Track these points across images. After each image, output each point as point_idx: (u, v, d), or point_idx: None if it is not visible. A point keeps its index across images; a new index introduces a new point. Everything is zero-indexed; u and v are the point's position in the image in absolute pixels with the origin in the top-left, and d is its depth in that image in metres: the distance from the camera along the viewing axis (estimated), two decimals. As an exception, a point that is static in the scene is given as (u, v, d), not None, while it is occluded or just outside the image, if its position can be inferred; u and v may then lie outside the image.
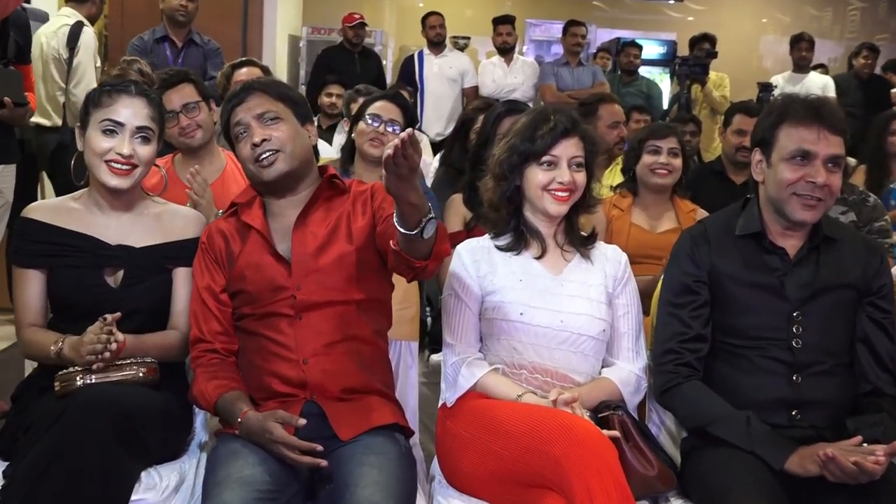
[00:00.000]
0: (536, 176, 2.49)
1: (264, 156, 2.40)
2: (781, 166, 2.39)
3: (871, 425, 2.28)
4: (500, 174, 2.53)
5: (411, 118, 3.60)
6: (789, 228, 2.44)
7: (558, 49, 8.99)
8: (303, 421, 2.21)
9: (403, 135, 1.90)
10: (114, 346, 2.26)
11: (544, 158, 2.48)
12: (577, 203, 2.54)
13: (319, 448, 2.19)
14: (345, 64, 7.43)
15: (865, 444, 2.16)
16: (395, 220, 2.08)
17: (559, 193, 2.48)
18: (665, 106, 8.02)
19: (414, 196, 2.01)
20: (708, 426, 2.35)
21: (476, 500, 2.32)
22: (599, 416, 2.35)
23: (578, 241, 2.58)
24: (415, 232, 2.07)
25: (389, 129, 3.57)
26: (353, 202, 2.48)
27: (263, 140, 2.40)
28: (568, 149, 2.48)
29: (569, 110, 2.58)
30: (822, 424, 2.33)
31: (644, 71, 8.71)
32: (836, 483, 2.14)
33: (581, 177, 2.50)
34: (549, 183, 2.48)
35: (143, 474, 2.27)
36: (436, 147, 6.68)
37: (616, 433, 2.26)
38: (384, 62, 9.28)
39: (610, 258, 2.59)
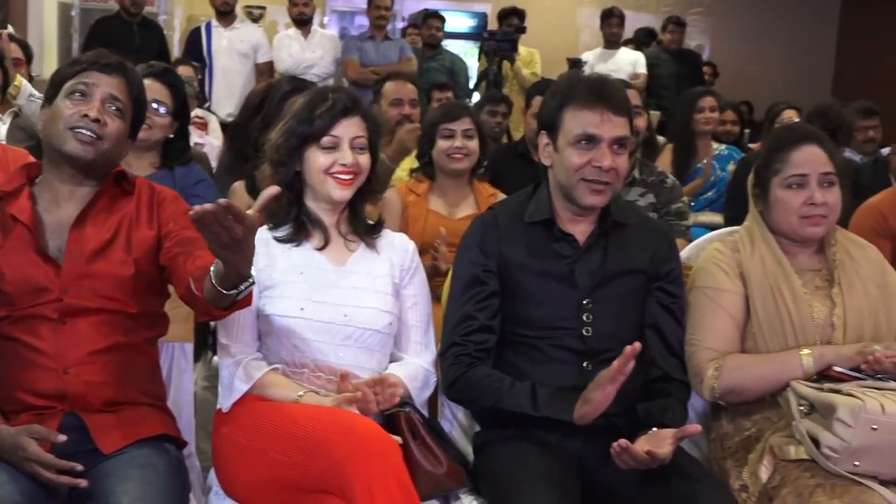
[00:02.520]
0: (317, 159, 2.51)
1: (86, 132, 2.32)
2: (568, 151, 2.49)
3: (659, 410, 2.44)
4: (277, 160, 2.55)
5: (182, 99, 3.51)
6: (579, 214, 2.56)
7: (364, 20, 9.02)
8: (62, 437, 2.17)
9: (212, 206, 1.81)
10: None
11: (324, 140, 2.51)
12: (362, 189, 2.59)
13: (79, 467, 2.16)
14: (122, 36, 7.18)
15: (655, 430, 2.32)
16: (211, 274, 2.05)
17: (342, 177, 2.52)
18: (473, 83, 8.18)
19: (243, 265, 1.99)
20: (496, 403, 2.44)
21: (257, 512, 2.35)
22: (386, 413, 2.41)
23: (363, 229, 2.63)
24: (230, 292, 2.06)
25: (154, 110, 3.44)
26: (138, 206, 2.42)
27: (97, 120, 2.33)
28: (349, 129, 2.52)
29: (348, 89, 2.62)
30: (613, 411, 2.43)
31: (456, 45, 8.85)
32: (627, 470, 2.29)
33: (365, 159, 2.55)
34: (330, 166, 2.51)
35: None
36: (227, 129, 6.60)
37: (398, 440, 2.30)
38: (169, 34, 9.08)
39: (397, 247, 2.65)
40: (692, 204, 5.37)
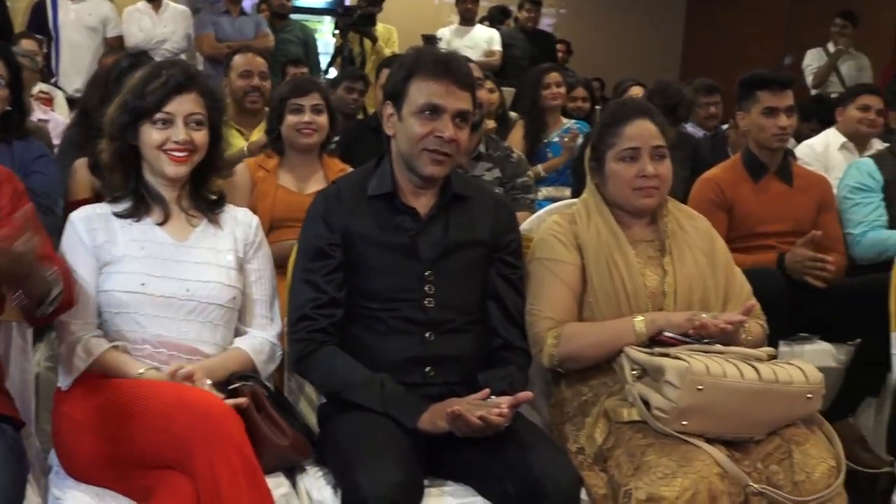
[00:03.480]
0: (150, 135, 2.50)
1: None
2: (412, 120, 2.53)
3: (499, 378, 2.51)
4: (113, 134, 2.53)
5: (15, 72, 3.38)
6: (421, 187, 2.61)
7: (215, -5, 8.86)
8: None
9: None
10: None
11: (157, 116, 2.49)
12: (204, 164, 2.58)
13: None
14: (-46, 7, 6.94)
15: (493, 398, 2.38)
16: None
17: (176, 153, 2.50)
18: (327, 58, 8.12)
19: (34, 289, 1.96)
20: (343, 392, 2.48)
21: (96, 489, 2.32)
22: (230, 387, 2.42)
23: (206, 205, 2.62)
24: (38, 310, 2.03)
25: None
26: None
27: None
28: (183, 105, 2.50)
29: (185, 64, 2.61)
30: (455, 380, 2.53)
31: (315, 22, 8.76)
32: (468, 438, 2.35)
33: (201, 135, 2.53)
34: (163, 142, 2.49)
35: None
36: (74, 105, 6.42)
37: (243, 401, 2.33)
38: (14, 6, 8.73)
39: (240, 222, 2.66)
40: (544, 178, 5.50)
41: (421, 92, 2.53)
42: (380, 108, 4.07)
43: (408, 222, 2.60)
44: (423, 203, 2.62)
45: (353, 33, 7.21)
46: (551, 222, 2.76)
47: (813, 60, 8.77)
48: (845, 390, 3.69)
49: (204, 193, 2.62)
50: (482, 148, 4.03)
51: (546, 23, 10.97)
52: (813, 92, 8.12)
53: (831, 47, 8.72)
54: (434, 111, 2.52)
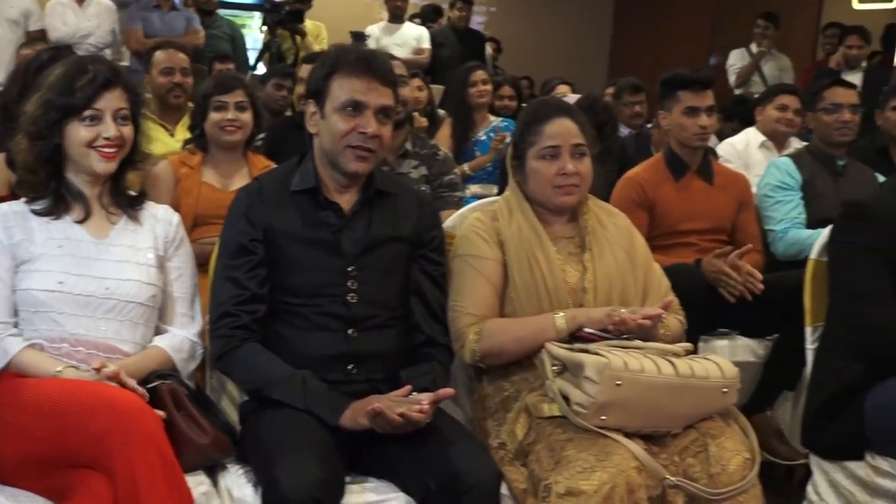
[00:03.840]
0: (79, 132, 2.47)
1: None
2: (334, 117, 2.53)
3: (421, 375, 2.52)
4: (35, 133, 2.49)
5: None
6: (344, 184, 2.61)
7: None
8: None
9: None
10: None
11: (86, 113, 2.47)
12: (124, 160, 2.56)
13: None
14: None
15: (415, 394, 2.39)
16: None
17: (106, 150, 2.48)
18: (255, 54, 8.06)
19: None
20: (265, 389, 2.48)
21: (11, 490, 2.28)
22: (149, 386, 2.40)
23: (126, 202, 2.60)
24: None
25: None
26: None
27: None
28: (112, 101, 2.49)
29: (108, 60, 2.58)
30: (378, 377, 2.54)
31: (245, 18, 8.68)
32: (389, 434, 2.36)
33: (128, 130, 2.52)
34: (93, 139, 2.47)
35: None
36: (-5, 99, 6.29)
37: (163, 414, 2.30)
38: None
39: (161, 219, 2.64)
40: (472, 176, 5.52)
41: (343, 89, 2.53)
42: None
43: (331, 218, 2.59)
44: (346, 199, 2.62)
45: (282, 30, 7.16)
46: (473, 219, 2.78)
47: (736, 60, 8.92)
48: (763, 384, 3.76)
49: (124, 190, 2.60)
50: (409, 145, 4.03)
51: (477, 21, 11.01)
52: (736, 92, 8.25)
53: (754, 48, 8.87)
54: (356, 108, 2.52)
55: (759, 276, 3.61)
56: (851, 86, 4.47)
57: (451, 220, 3.00)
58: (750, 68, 8.69)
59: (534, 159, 2.73)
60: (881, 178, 4.31)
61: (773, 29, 8.83)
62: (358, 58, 2.56)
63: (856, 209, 2.93)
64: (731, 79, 8.83)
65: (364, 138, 2.52)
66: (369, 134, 2.52)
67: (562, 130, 2.71)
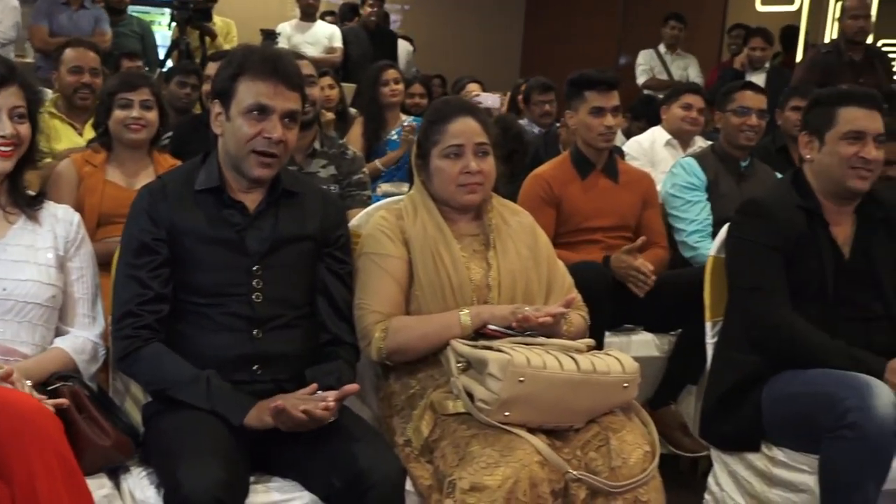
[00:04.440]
0: None
1: None
2: (239, 120, 2.51)
3: (327, 373, 2.52)
4: None
5: None
6: (248, 186, 2.59)
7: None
8: None
9: None
10: None
11: None
12: (21, 159, 2.52)
13: None
14: None
15: (321, 393, 2.39)
16: None
17: (3, 148, 2.45)
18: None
19: None
20: (169, 390, 2.45)
21: None
22: (49, 388, 2.36)
23: (24, 201, 2.56)
24: None
25: None
26: None
27: None
28: (7, 99, 2.45)
29: (1, 56, 2.53)
30: (283, 377, 2.52)
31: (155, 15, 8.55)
32: (294, 433, 2.36)
33: (25, 128, 2.48)
34: None
35: None
36: None
37: (62, 402, 2.28)
38: None
39: (61, 219, 2.60)
40: (382, 173, 5.52)
41: (249, 92, 2.51)
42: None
43: (236, 217, 2.58)
44: (251, 198, 2.61)
45: (192, 28, 7.07)
46: (378, 217, 2.78)
47: (645, 60, 9.06)
48: (667, 378, 3.84)
49: (22, 190, 2.55)
50: (317, 145, 4.02)
51: (390, 19, 10.99)
52: (645, 92, 8.38)
53: (663, 48, 9.02)
54: (262, 111, 2.51)
55: (650, 266, 3.73)
56: (762, 91, 4.58)
57: (356, 218, 3.00)
58: (659, 68, 8.84)
59: (438, 158, 2.75)
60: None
61: (680, 29, 8.99)
62: (265, 60, 2.53)
63: (752, 206, 3.02)
64: (641, 79, 8.96)
65: (269, 143, 2.51)
66: (274, 139, 2.51)
67: (465, 129, 2.73)
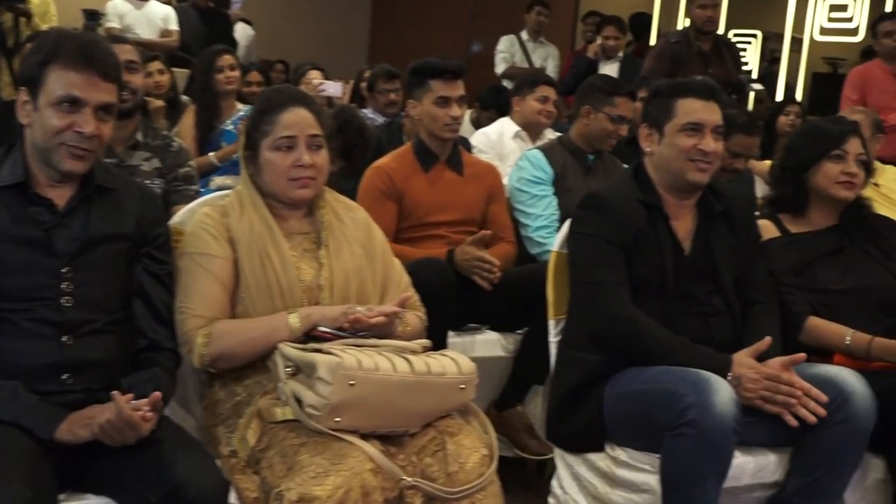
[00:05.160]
0: None
1: None
2: (48, 111, 2.43)
3: (144, 381, 2.46)
4: None
5: None
6: (58, 180, 2.51)
7: None
8: None
9: None
10: None
11: None
12: None
13: None
14: None
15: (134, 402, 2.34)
16: None
17: None
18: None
19: None
20: None
21: None
22: None
23: None
24: None
25: None
26: None
27: None
28: None
29: None
30: (96, 386, 2.45)
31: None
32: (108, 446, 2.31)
33: None
34: None
35: None
36: None
37: None
38: None
39: None
40: (218, 167, 5.43)
41: (60, 82, 2.43)
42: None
43: (43, 214, 2.50)
44: (60, 194, 2.53)
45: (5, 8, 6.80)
46: (202, 215, 2.74)
47: (506, 47, 9.11)
48: (513, 379, 3.89)
49: None
50: (139, 136, 3.91)
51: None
52: (504, 82, 8.41)
53: (525, 35, 9.11)
54: (74, 104, 2.43)
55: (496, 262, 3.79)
56: (633, 97, 4.70)
57: (178, 215, 2.93)
58: (523, 72, 8.95)
59: (268, 150, 2.72)
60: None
61: (545, 15, 9.08)
62: (78, 48, 2.45)
63: (592, 201, 3.09)
64: (500, 67, 9.02)
65: (81, 138, 2.44)
66: (87, 134, 2.44)
67: (298, 120, 2.71)
